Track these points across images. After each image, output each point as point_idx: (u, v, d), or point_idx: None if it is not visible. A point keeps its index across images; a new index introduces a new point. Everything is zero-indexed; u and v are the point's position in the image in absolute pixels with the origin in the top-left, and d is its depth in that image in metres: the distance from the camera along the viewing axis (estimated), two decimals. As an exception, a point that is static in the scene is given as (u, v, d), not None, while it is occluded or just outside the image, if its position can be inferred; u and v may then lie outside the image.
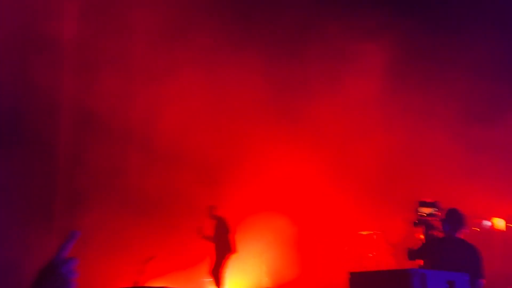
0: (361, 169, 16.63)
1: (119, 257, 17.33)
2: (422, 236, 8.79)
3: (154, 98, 18.92)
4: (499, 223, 14.21)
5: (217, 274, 14.25)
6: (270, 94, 18.01)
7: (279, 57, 18.46)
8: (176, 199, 18.05)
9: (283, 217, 16.93)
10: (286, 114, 17.83)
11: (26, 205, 17.41)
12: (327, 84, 17.35)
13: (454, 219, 7.59)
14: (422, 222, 8.74)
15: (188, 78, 17.99)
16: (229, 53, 17.72)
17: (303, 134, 17.63)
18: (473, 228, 14.22)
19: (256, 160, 17.49)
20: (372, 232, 15.59)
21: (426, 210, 8.64)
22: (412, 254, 8.55)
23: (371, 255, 15.67)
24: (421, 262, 7.99)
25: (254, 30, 18.72)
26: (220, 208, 15.24)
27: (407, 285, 5.77)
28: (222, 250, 14.35)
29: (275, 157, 17.43)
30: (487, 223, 14.09)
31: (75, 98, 18.68)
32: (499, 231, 14.26)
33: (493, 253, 13.90)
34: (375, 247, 15.48)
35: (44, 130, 17.94)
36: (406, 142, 16.22)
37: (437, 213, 8.59)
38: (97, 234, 17.49)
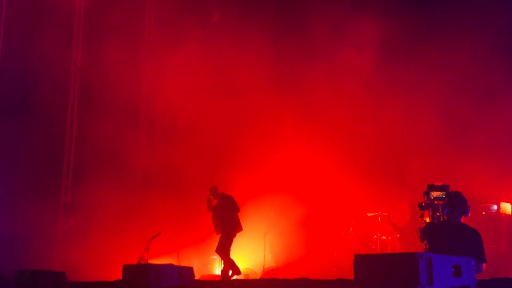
0: (369, 149, 16.57)
1: (125, 233, 17.41)
2: (428, 220, 8.78)
3: (159, 74, 18.91)
4: (506, 207, 14.15)
5: (224, 252, 14.22)
6: (277, 71, 17.94)
7: (283, 33, 18.38)
8: (183, 177, 18.08)
9: (289, 197, 16.93)
10: (293, 92, 17.73)
11: (33, 178, 17.47)
12: (332, 63, 17.21)
13: (454, 203, 7.54)
14: (428, 205, 8.73)
15: (193, 55, 17.97)
16: (235, 29, 17.69)
17: (310, 113, 17.58)
18: (481, 212, 14.18)
19: (263, 139, 17.46)
20: (377, 214, 15.56)
21: (435, 194, 8.62)
22: (422, 206, 8.69)
23: (376, 236, 15.66)
24: None
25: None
26: (225, 188, 15.19)
27: (413, 268, 5.73)
28: (229, 228, 14.32)
29: (282, 137, 17.40)
30: (494, 207, 14.03)
31: (83, 72, 18.70)
32: (506, 215, 14.20)
33: (500, 237, 13.87)
34: (381, 229, 15.46)
35: (52, 105, 17.95)
36: (415, 124, 16.13)
37: (445, 197, 8.56)
38: (103, 211, 17.57)
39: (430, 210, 8.84)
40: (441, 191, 8.61)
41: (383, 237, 15.65)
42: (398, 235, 15.29)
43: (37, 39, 17.81)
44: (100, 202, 17.63)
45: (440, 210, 8.37)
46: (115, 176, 18.54)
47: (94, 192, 17.50)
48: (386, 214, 15.48)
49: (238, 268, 14.46)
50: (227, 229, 14.33)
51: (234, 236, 14.40)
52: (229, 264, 14.31)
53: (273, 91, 17.53)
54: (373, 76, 16.68)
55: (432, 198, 8.69)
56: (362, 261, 6.32)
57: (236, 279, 14.53)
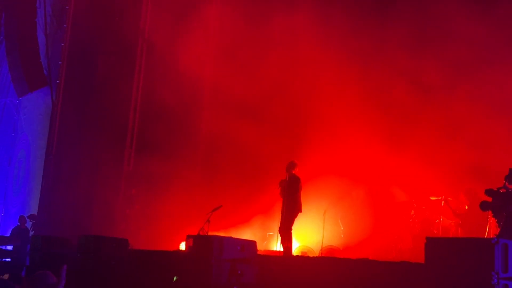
0: (436, 133, 16.25)
1: (186, 205, 17.59)
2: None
3: (224, 49, 18.96)
4: None
5: (288, 232, 14.11)
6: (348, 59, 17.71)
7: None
8: (245, 152, 18.11)
9: (351, 178, 16.80)
10: (360, 79, 17.50)
11: (97, 147, 17.77)
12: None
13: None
14: (505, 192, 8.49)
15: (259, 34, 17.97)
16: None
17: (374, 94, 17.36)
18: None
19: (327, 119, 17.33)
20: (441, 198, 15.30)
21: (516, 181, 8.38)
22: (485, 205, 8.46)
23: (438, 221, 15.42)
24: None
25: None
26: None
27: (488, 254, 5.61)
28: (293, 208, 14.20)
29: (346, 118, 17.21)
30: None
31: (150, 43, 18.88)
32: None
33: None
34: (443, 213, 15.20)
35: (119, 74, 18.18)
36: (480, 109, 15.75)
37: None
38: (165, 181, 17.77)
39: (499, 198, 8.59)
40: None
41: (446, 221, 15.39)
42: (459, 222, 15.03)
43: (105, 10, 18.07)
44: (162, 173, 17.83)
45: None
46: (178, 148, 18.72)
47: (156, 162, 17.70)
48: (450, 198, 15.21)
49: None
50: (290, 209, 14.21)
51: (296, 216, 14.30)
52: (291, 242, 14.21)
53: (346, 79, 17.37)
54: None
55: (512, 186, 8.44)
56: (435, 244, 6.22)
57: (297, 256, 14.52)
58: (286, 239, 14.02)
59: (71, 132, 17.85)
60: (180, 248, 15.30)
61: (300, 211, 14.32)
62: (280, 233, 14.18)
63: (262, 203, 17.36)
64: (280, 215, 14.20)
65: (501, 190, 8.64)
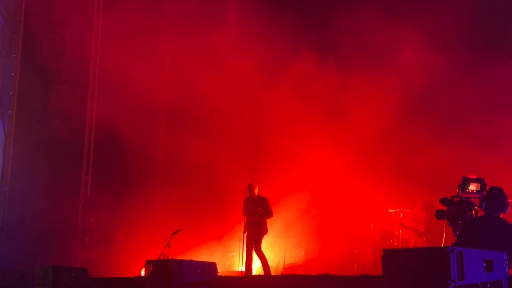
0: (392, 147, 16.42)
1: (145, 230, 17.43)
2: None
3: (179, 67, 18.93)
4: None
5: (259, 252, 14.10)
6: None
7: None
8: (202, 174, 18.07)
9: (309, 194, 16.87)
10: (316, 97, 17.62)
11: (53, 176, 17.59)
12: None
13: (494, 198, 7.36)
14: (459, 200, 8.60)
15: (223, 53, 17.98)
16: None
17: (332, 112, 17.50)
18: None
19: (283, 138, 17.39)
20: (399, 210, 15.45)
21: (472, 187, 8.50)
22: (440, 214, 8.57)
23: (397, 233, 15.55)
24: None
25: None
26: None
27: (444, 263, 5.64)
28: (262, 229, 14.20)
29: (300, 135, 17.31)
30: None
31: (102, 68, 18.76)
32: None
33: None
34: (402, 225, 15.34)
35: (71, 102, 18.02)
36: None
37: (480, 190, 8.46)
38: (123, 208, 17.60)
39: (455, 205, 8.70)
40: (477, 184, 8.49)
41: (405, 233, 15.53)
42: (419, 233, 15.17)
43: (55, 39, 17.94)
44: (120, 199, 17.68)
45: (478, 204, 8.22)
46: (136, 173, 18.58)
47: (114, 188, 17.55)
48: (407, 210, 15.39)
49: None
50: (259, 230, 14.21)
51: (263, 236, 14.32)
52: (262, 261, 14.19)
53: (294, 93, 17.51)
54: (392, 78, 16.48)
55: (469, 191, 8.56)
56: (391, 256, 6.22)
57: (259, 275, 14.47)
58: (262, 259, 14.00)
59: (25, 164, 17.57)
60: (141, 274, 15.13)
61: (266, 232, 14.36)
62: (248, 254, 14.13)
63: (223, 223, 17.33)
64: (244, 234, 14.21)
65: (455, 199, 8.76)
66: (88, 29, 18.84)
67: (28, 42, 18.19)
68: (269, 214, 14.32)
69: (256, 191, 14.44)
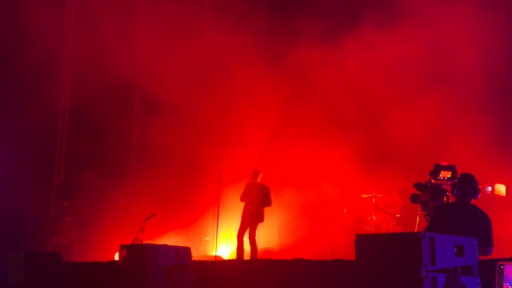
0: (365, 130, 16.48)
1: (119, 214, 17.37)
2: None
3: (154, 53, 18.81)
4: (500, 188, 14.16)
5: (253, 239, 14.21)
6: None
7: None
8: (177, 158, 18.02)
9: (282, 179, 16.92)
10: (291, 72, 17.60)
11: (25, 160, 17.45)
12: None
13: (465, 184, 7.45)
14: (431, 186, 8.69)
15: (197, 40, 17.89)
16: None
17: (299, 93, 17.52)
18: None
19: (256, 120, 17.39)
20: (372, 195, 15.57)
21: (444, 174, 8.58)
22: (414, 198, 8.76)
23: (370, 218, 15.69)
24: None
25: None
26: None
27: (416, 248, 5.71)
28: (260, 217, 14.31)
29: (274, 117, 17.32)
30: (488, 188, 14.02)
31: (75, 53, 18.57)
32: (500, 197, 14.20)
33: (493, 219, 13.85)
34: (375, 210, 15.48)
35: (45, 84, 17.85)
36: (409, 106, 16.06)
37: (451, 178, 8.54)
38: (96, 191, 17.51)
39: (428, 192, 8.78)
40: (449, 171, 8.58)
41: (378, 218, 15.67)
42: (392, 218, 15.32)
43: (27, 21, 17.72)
44: (94, 183, 17.57)
45: (450, 190, 8.32)
46: (109, 157, 18.48)
47: (87, 173, 17.43)
48: (380, 195, 15.51)
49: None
50: (259, 217, 14.32)
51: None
52: (252, 247, 14.29)
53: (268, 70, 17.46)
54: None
55: (440, 178, 8.65)
56: (364, 241, 6.29)
57: (232, 259, 14.53)
58: (252, 246, 14.10)
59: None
60: (115, 259, 15.10)
61: (262, 221, 14.46)
62: (239, 239, 14.21)
63: (197, 208, 17.33)
64: (241, 219, 14.27)
65: (428, 185, 8.86)
66: (61, 11, 18.62)
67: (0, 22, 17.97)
68: (268, 203, 14.43)
69: (259, 179, 14.55)
